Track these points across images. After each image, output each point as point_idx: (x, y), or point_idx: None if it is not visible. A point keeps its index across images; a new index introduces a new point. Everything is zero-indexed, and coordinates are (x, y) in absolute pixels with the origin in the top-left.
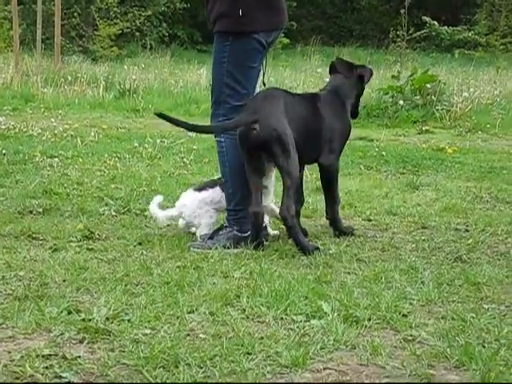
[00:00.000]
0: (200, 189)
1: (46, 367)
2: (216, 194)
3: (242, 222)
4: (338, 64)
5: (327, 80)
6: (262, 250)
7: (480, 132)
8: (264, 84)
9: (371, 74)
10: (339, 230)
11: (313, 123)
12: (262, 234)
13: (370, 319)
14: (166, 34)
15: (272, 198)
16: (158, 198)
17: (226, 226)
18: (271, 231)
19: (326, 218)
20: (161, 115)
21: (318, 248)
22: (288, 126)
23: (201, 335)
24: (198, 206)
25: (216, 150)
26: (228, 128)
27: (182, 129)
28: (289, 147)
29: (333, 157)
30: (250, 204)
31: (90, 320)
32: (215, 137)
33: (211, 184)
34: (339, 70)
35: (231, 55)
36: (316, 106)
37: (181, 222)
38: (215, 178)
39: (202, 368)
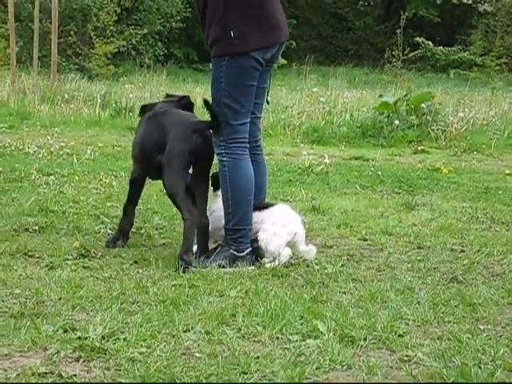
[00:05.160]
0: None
1: None
2: None
3: (240, 242)
4: None
5: (322, 99)
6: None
7: (475, 152)
8: (267, 102)
9: None
10: None
11: None
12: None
13: (365, 339)
14: (162, 53)
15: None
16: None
17: (223, 245)
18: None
19: None
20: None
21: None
22: None
23: (196, 354)
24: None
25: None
26: None
27: None
28: None
29: None
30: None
31: (86, 338)
32: (217, 156)
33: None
34: None
35: (228, 75)
36: None
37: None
38: None
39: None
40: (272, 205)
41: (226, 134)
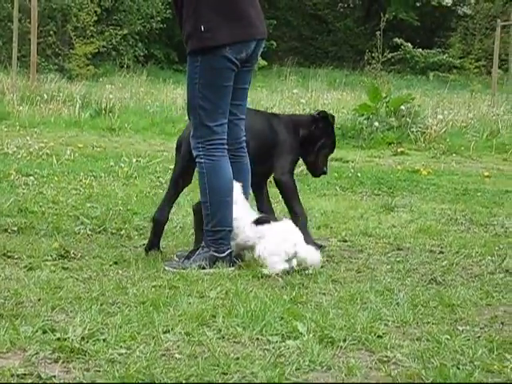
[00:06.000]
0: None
1: None
2: None
3: (220, 243)
4: None
5: (303, 101)
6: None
7: (454, 154)
8: None
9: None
10: None
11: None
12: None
13: (345, 340)
14: (142, 54)
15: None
16: None
17: (203, 247)
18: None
19: None
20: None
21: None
22: None
23: (176, 355)
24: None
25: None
26: None
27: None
28: None
29: None
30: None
31: (65, 339)
32: (196, 157)
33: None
34: None
35: (202, 76)
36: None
37: None
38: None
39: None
40: (275, 220)
41: (203, 135)
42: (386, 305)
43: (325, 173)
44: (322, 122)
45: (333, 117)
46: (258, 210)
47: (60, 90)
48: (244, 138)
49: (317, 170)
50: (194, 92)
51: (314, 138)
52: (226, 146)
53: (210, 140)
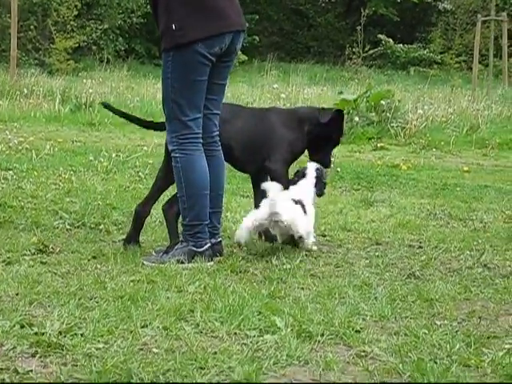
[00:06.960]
0: None
1: None
2: None
3: (198, 238)
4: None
5: (283, 96)
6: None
7: (434, 149)
8: None
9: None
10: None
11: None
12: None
13: (323, 335)
14: (123, 48)
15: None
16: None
17: (182, 241)
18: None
19: None
20: (107, 106)
21: None
22: None
23: (154, 350)
24: None
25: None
26: None
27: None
28: None
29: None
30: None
31: (43, 334)
32: (171, 152)
33: None
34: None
35: (174, 70)
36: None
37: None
38: None
39: (154, 383)
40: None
41: (177, 130)
42: (364, 299)
43: (329, 166)
44: (336, 120)
45: (343, 114)
46: (255, 206)
47: (40, 85)
48: (217, 133)
49: (324, 164)
50: (167, 87)
51: (324, 135)
52: (200, 141)
53: (184, 134)
